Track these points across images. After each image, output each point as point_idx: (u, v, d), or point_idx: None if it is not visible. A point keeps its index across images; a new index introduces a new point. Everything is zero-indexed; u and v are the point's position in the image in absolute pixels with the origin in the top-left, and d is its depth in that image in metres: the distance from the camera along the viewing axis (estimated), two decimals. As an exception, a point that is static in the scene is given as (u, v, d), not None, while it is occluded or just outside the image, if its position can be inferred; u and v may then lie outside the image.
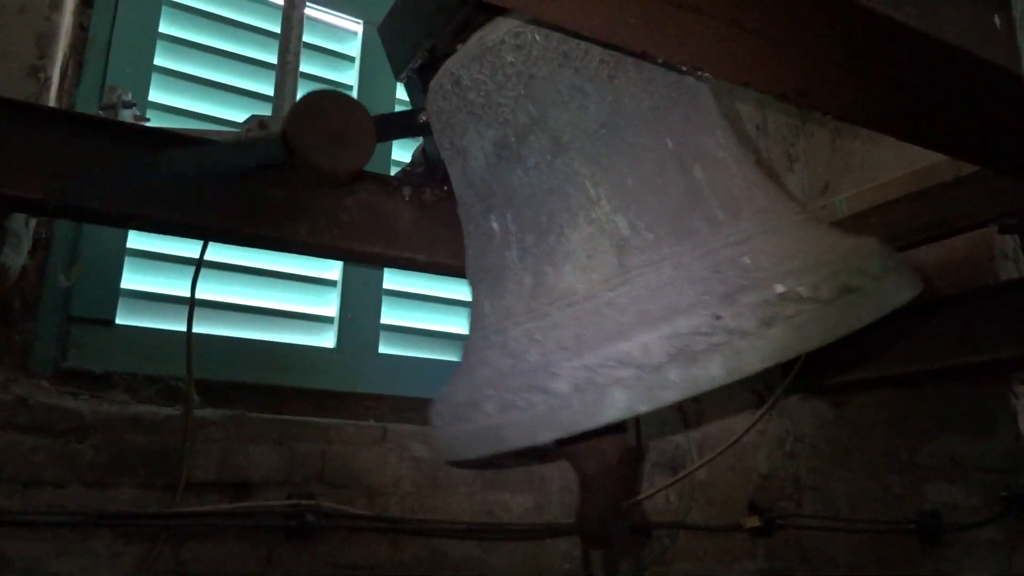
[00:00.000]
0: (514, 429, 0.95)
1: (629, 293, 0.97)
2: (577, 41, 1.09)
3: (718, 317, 0.88)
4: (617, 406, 0.88)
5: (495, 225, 1.16)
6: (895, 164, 2.29)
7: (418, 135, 1.60)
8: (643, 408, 0.88)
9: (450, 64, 1.23)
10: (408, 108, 1.54)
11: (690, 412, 2.38)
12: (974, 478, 2.16)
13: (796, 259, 0.96)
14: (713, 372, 0.87)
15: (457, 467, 1.32)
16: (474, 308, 1.23)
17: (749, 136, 2.78)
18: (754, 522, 2.31)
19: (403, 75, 1.46)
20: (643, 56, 0.97)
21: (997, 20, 1.04)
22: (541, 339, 0.99)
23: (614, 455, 1.07)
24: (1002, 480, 2.08)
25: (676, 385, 0.87)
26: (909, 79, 1.04)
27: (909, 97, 1.08)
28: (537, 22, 1.10)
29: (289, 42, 1.71)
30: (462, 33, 1.26)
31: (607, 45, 1.07)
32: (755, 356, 0.88)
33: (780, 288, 0.90)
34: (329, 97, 1.42)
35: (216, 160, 1.33)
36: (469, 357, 1.15)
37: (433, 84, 1.28)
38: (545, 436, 0.93)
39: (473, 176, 1.22)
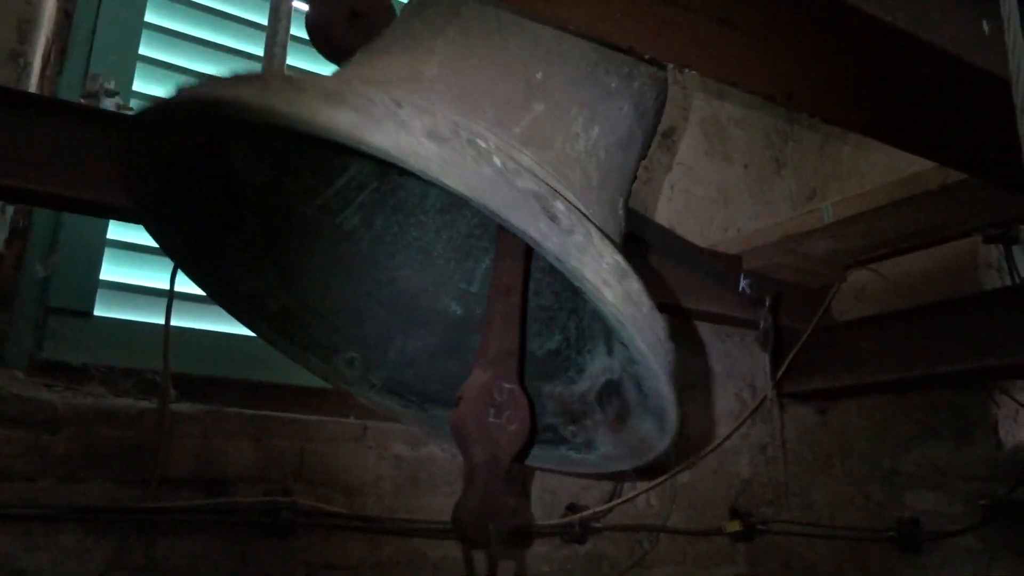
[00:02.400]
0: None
1: None
2: None
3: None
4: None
5: None
6: (882, 171, 2.29)
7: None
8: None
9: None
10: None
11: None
12: (955, 486, 2.17)
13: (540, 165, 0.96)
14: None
15: None
16: None
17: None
18: (735, 527, 2.31)
19: None
20: (629, 52, 0.96)
21: (985, 26, 1.03)
22: None
23: (510, 448, 1.04)
24: (983, 489, 2.09)
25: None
26: (898, 83, 1.04)
27: (897, 101, 1.08)
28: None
29: (276, 34, 1.70)
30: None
31: (603, 44, 1.06)
32: None
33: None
34: None
35: None
36: None
37: None
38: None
39: None
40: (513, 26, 1.07)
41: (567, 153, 1.01)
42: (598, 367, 1.21)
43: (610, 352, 1.17)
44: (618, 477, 2.15)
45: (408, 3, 1.23)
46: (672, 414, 1.00)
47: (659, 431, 1.07)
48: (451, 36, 1.07)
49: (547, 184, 0.84)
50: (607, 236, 0.88)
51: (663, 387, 0.94)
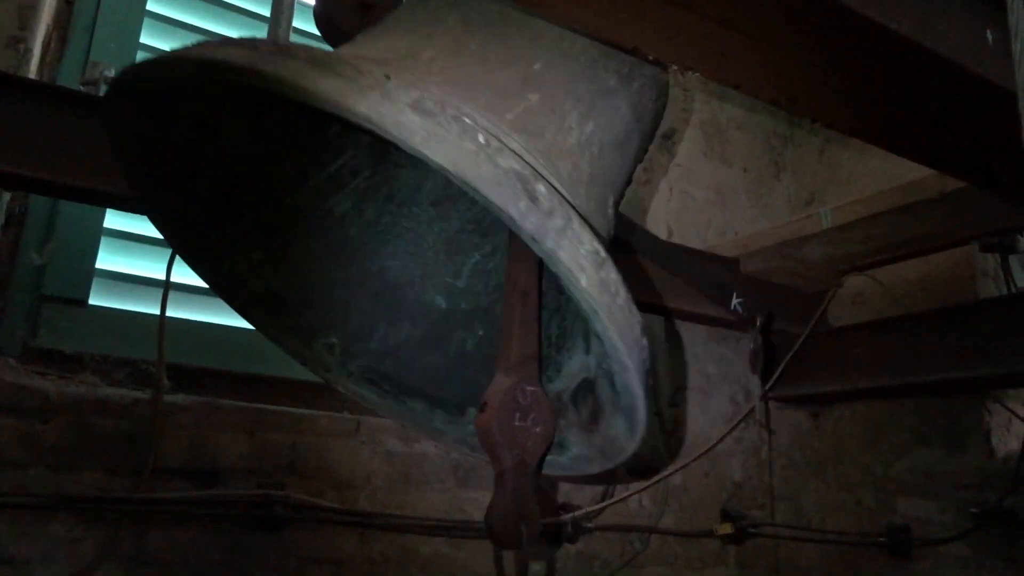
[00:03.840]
0: None
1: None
2: None
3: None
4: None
5: None
6: (881, 178, 2.29)
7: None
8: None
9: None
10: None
11: (667, 417, 2.38)
12: (947, 494, 2.17)
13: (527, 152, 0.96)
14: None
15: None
16: None
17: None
18: (726, 529, 2.31)
19: None
20: (633, 52, 0.96)
21: (989, 35, 1.03)
22: None
23: (536, 453, 1.05)
24: (974, 496, 2.09)
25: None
26: (900, 90, 1.04)
27: (899, 108, 1.07)
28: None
29: (279, 26, 1.69)
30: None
31: (607, 43, 1.05)
32: None
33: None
34: None
35: None
36: None
37: None
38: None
39: None
40: (515, 19, 1.06)
41: (558, 144, 1.01)
42: (576, 366, 1.21)
43: (587, 350, 1.18)
44: (599, 479, 2.15)
45: None
46: (642, 413, 1.00)
47: (628, 432, 1.07)
48: (451, 24, 1.07)
49: (530, 166, 0.84)
50: (589, 224, 0.87)
51: (634, 382, 0.94)
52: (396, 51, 1.02)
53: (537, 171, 0.85)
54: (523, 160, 0.84)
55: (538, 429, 1.06)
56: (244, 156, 1.18)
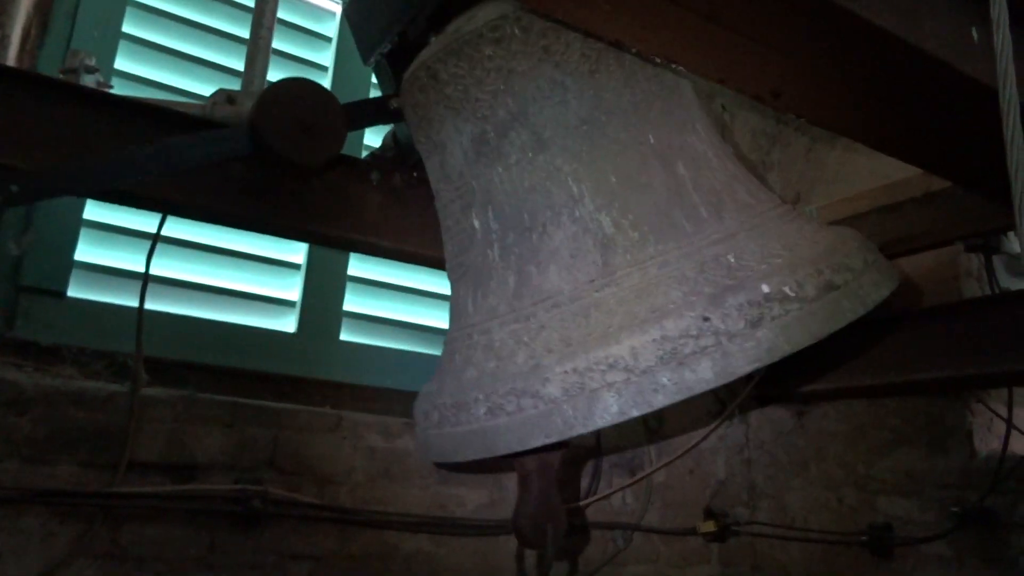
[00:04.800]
0: (504, 433, 0.93)
1: (615, 294, 0.96)
2: (557, 34, 1.07)
3: (706, 319, 0.87)
4: (609, 411, 0.87)
5: (476, 222, 1.14)
6: (868, 177, 2.29)
7: (390, 122, 1.56)
8: (635, 412, 0.87)
9: (425, 56, 1.20)
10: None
11: (650, 415, 2.37)
12: (928, 493, 2.18)
13: (780, 256, 0.94)
14: (703, 375, 0.86)
15: (445, 469, 1.31)
16: (455, 305, 1.20)
17: (728, 127, 2.78)
18: (709, 527, 2.31)
19: (371, 60, 1.42)
20: (616, 45, 0.95)
21: (975, 33, 1.03)
22: (528, 341, 0.98)
23: (556, 454, 1.05)
24: (956, 496, 2.10)
25: (666, 388, 0.86)
26: (885, 87, 1.03)
27: (884, 105, 1.07)
28: (515, 12, 1.07)
29: (263, 16, 1.67)
30: (435, 20, 1.22)
31: (586, 34, 1.04)
32: (744, 358, 0.87)
33: (766, 288, 0.89)
34: (298, 85, 1.37)
35: (181, 155, 1.28)
36: (453, 356, 1.12)
37: (408, 76, 1.25)
38: (536, 441, 0.91)
39: (451, 171, 1.19)
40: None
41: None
42: None
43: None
44: (576, 477, 2.14)
45: None
46: None
47: None
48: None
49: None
50: None
51: None
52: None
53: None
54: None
55: None
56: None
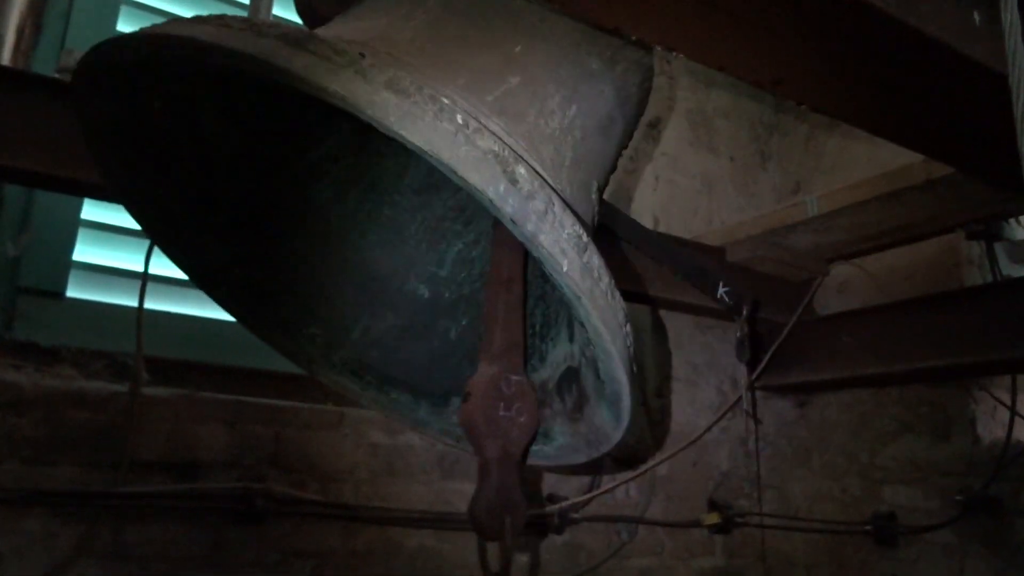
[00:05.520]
0: None
1: None
2: None
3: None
4: None
5: None
6: (866, 165, 2.29)
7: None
8: None
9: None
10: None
11: (653, 408, 2.37)
12: (932, 481, 2.18)
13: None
14: None
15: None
16: None
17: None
18: (713, 519, 2.31)
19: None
20: (614, 32, 0.94)
21: (977, 17, 1.02)
22: None
23: (520, 443, 1.03)
24: (959, 484, 2.10)
25: None
26: (886, 72, 1.02)
27: (885, 90, 1.06)
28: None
29: (258, 13, 1.66)
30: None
31: (589, 23, 1.03)
32: None
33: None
34: None
35: None
36: None
37: None
38: None
39: None
40: (495, 1, 1.04)
41: (540, 128, 0.99)
42: (560, 355, 1.20)
43: (571, 338, 1.16)
44: (589, 469, 2.14)
45: None
46: (627, 401, 0.98)
47: (614, 420, 1.06)
48: (431, 5, 1.05)
49: (510, 148, 0.82)
50: (571, 209, 0.86)
51: (618, 370, 0.92)
52: (374, 32, 1.00)
53: (518, 153, 0.83)
54: (502, 142, 0.82)
55: (522, 419, 1.04)
56: (221, 143, 1.15)
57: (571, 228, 0.83)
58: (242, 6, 2.06)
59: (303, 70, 0.74)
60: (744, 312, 2.15)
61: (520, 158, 0.81)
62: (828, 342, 2.25)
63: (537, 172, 0.84)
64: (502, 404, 1.04)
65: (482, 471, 1.02)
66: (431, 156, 0.75)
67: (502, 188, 0.77)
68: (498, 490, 1.02)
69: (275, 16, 1.71)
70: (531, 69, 1.01)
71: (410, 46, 0.96)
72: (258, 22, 0.81)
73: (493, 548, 1.07)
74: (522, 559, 2.01)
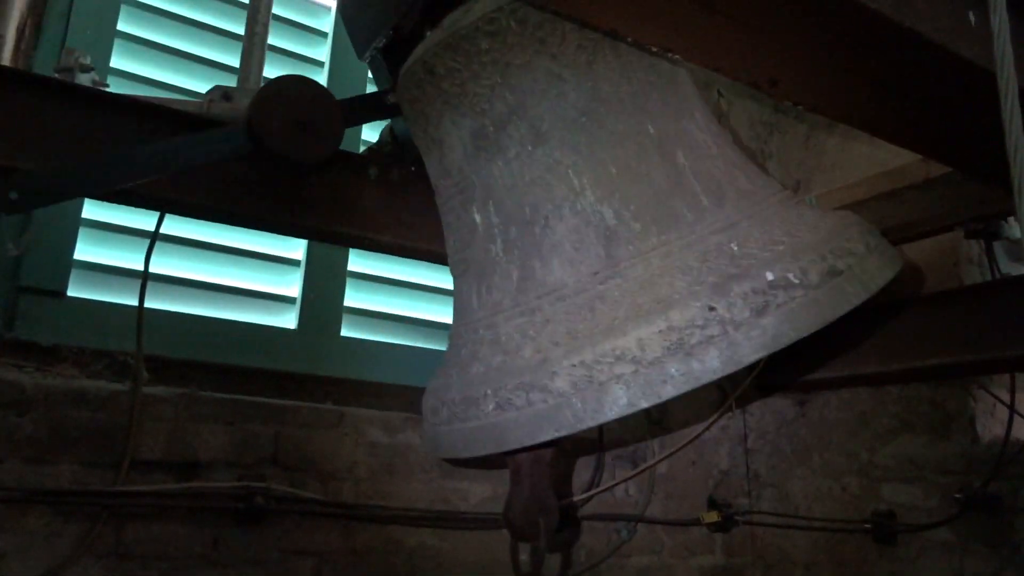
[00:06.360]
0: (514, 428, 0.93)
1: (620, 286, 0.96)
2: (553, 26, 1.06)
3: (711, 308, 0.87)
4: (619, 403, 0.87)
5: (477, 217, 1.14)
6: (866, 164, 2.28)
7: (387, 117, 1.56)
8: (644, 404, 0.87)
9: (421, 51, 1.19)
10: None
11: (653, 407, 2.37)
12: (931, 480, 2.18)
13: (782, 243, 0.94)
14: (710, 364, 0.86)
15: (454, 464, 1.30)
16: (458, 300, 1.20)
17: (725, 115, 2.77)
18: (713, 517, 2.31)
19: (366, 55, 1.41)
20: (611, 34, 0.94)
21: (971, 17, 1.02)
22: (534, 335, 0.97)
23: (549, 448, 1.04)
24: (959, 482, 2.10)
25: (674, 379, 0.86)
26: (882, 72, 1.02)
27: (881, 90, 1.06)
28: (511, 5, 1.06)
29: (258, 12, 1.66)
30: (429, 13, 1.22)
31: (581, 24, 1.04)
32: (750, 346, 0.87)
33: (770, 275, 0.89)
34: (294, 83, 1.37)
35: (180, 155, 1.27)
36: (460, 351, 1.12)
37: (404, 71, 1.24)
38: (546, 435, 0.91)
39: (451, 166, 1.19)
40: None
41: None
42: None
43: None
44: (579, 469, 2.14)
45: None
46: None
47: None
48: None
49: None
50: None
51: None
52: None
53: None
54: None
55: None
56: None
57: None
58: (242, 5, 2.07)
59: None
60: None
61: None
62: (826, 341, 2.25)
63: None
64: None
65: (514, 475, 1.04)
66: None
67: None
68: (531, 492, 1.03)
69: (274, 15, 1.71)
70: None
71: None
72: None
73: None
74: (520, 558, 2.01)
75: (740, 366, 0.87)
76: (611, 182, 1.02)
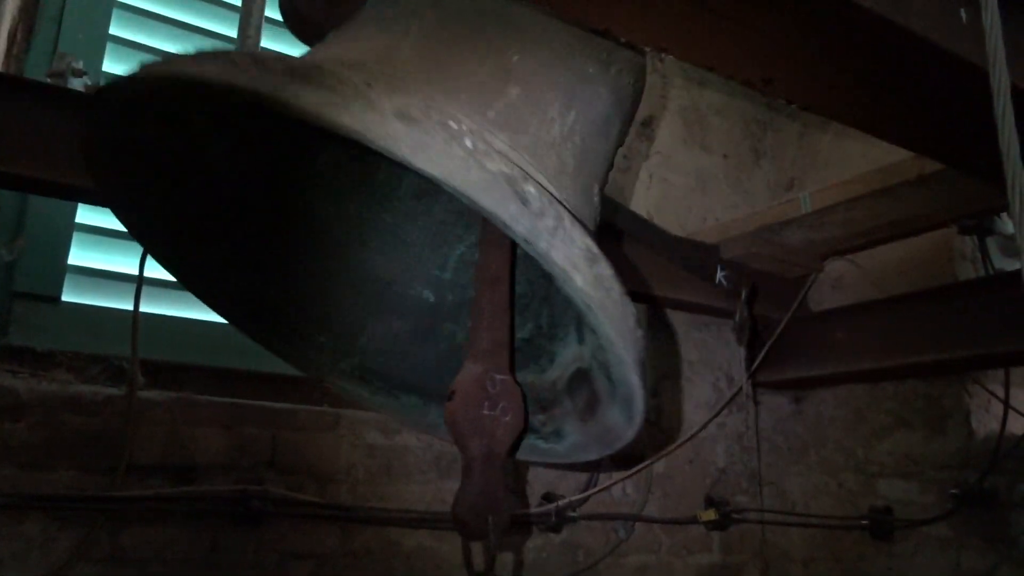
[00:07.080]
0: None
1: None
2: None
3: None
4: None
5: None
6: (860, 161, 2.29)
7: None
8: None
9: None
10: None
11: (650, 404, 2.38)
12: (928, 475, 2.19)
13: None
14: None
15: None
16: None
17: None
18: (710, 515, 2.31)
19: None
20: (605, 33, 0.94)
21: (963, 14, 1.03)
22: None
23: (505, 442, 1.03)
24: (955, 478, 2.11)
25: None
26: (875, 70, 1.03)
27: (875, 88, 1.07)
28: None
29: (250, 16, 1.66)
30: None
31: (577, 23, 1.04)
32: None
33: None
34: None
35: None
36: None
37: None
38: None
39: None
40: (490, 10, 1.04)
41: (542, 138, 1.00)
42: (569, 356, 1.20)
43: (581, 340, 1.16)
44: (587, 467, 2.14)
45: None
46: (639, 403, 0.99)
47: (626, 420, 1.06)
48: (426, 18, 1.05)
49: (518, 167, 0.83)
50: (579, 221, 0.87)
51: (631, 375, 0.93)
52: (372, 52, 1.00)
53: (525, 171, 0.84)
54: (510, 161, 0.83)
55: (508, 418, 1.04)
56: (220, 157, 1.15)
57: (581, 241, 0.84)
58: (234, 8, 2.06)
59: (314, 105, 0.75)
60: (743, 295, 2.16)
61: (528, 176, 0.82)
62: (823, 338, 2.26)
63: (545, 188, 0.85)
64: (487, 403, 1.04)
65: (465, 470, 1.02)
66: (445, 184, 0.76)
67: (513, 209, 0.78)
68: (481, 490, 1.01)
69: (266, 19, 1.71)
70: (529, 78, 1.01)
71: (410, 65, 0.97)
72: (263, 56, 0.82)
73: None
74: (519, 558, 2.02)
75: None
76: None
